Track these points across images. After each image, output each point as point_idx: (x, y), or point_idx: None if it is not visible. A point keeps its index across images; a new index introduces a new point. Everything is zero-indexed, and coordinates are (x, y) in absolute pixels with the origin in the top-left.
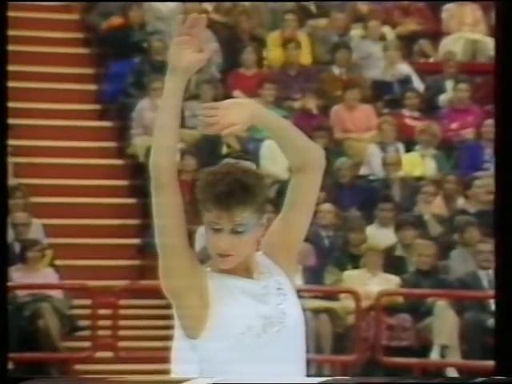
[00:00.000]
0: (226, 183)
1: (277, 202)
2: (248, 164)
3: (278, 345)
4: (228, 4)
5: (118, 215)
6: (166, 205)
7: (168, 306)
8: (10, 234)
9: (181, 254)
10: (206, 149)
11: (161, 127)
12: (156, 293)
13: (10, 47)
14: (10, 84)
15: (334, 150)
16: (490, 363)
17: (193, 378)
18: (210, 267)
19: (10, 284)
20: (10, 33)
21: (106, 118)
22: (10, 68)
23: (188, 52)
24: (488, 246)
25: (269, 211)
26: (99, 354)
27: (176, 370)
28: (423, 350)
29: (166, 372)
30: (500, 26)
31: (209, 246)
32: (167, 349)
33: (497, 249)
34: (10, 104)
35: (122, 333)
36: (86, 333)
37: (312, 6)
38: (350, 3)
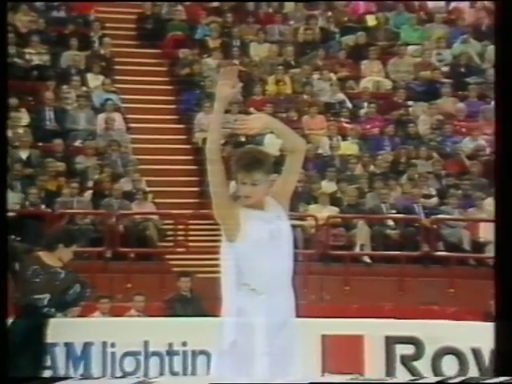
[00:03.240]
0: (248, 158)
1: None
2: (261, 147)
3: (278, 246)
4: (246, 60)
5: (187, 175)
6: (215, 170)
7: (216, 224)
8: (130, 186)
9: (223, 196)
10: (233, 139)
11: (212, 128)
12: (209, 217)
13: (130, 85)
14: (128, 105)
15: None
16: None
17: None
18: (239, 204)
19: (129, 212)
20: (131, 78)
21: (180, 122)
22: (130, 97)
23: (227, 88)
24: (386, 191)
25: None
26: (178, 250)
27: (222, 263)
28: (351, 247)
29: (216, 261)
30: (500, 26)
31: (238, 192)
32: (216, 246)
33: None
34: (129, 115)
35: (190, 238)
36: (171, 238)
37: (292, 62)
38: (312, 61)
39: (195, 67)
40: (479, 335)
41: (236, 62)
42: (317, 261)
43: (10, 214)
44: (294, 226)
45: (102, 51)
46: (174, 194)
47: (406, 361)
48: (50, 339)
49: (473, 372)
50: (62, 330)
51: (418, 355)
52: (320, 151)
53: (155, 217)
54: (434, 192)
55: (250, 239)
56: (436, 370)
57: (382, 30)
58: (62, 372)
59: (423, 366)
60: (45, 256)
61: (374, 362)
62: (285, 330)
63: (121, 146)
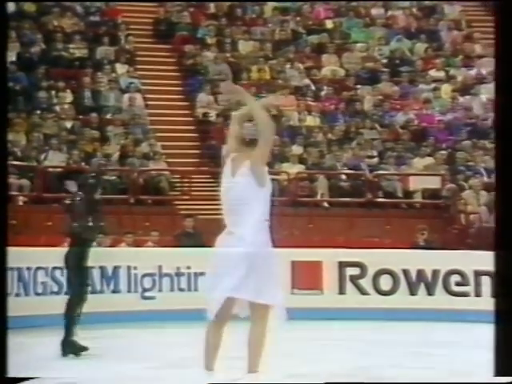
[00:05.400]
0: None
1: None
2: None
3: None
4: (236, 54)
5: (190, 141)
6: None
7: (212, 177)
8: (148, 149)
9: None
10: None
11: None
12: (207, 172)
13: (148, 72)
14: (147, 87)
15: (279, 115)
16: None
17: None
18: None
19: (147, 168)
20: (149, 67)
21: (185, 101)
22: (148, 81)
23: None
24: (340, 153)
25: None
26: (184, 197)
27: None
28: (314, 195)
29: (217, 207)
30: (500, 26)
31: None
32: (212, 195)
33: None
34: (147, 95)
35: (193, 188)
36: (179, 188)
37: (270, 55)
38: (285, 55)
39: (197, 59)
40: (408, 260)
41: (228, 54)
42: (288, 206)
43: (59, 169)
44: (271, 179)
45: (127, 46)
46: (180, 155)
47: (354, 279)
48: (89, 264)
49: (403, 287)
50: (97, 256)
51: (362, 275)
52: (291, 123)
53: (167, 172)
54: (375, 154)
55: None
56: (376, 285)
57: (338, 31)
58: (97, 288)
59: (366, 283)
60: None
61: (329, 281)
62: (266, 256)
63: (141, 118)
